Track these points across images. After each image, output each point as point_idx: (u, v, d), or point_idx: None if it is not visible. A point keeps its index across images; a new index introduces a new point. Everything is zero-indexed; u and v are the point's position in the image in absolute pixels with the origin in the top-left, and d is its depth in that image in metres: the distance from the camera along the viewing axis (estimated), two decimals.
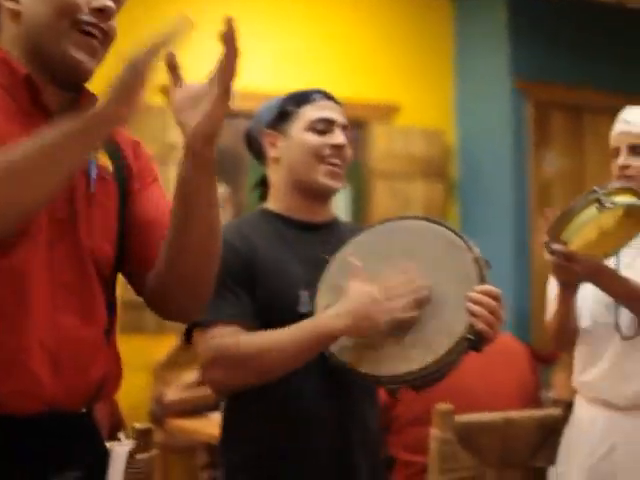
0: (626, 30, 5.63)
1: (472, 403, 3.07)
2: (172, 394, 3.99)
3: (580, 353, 2.92)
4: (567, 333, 2.92)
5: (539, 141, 5.30)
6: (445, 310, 2.01)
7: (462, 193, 5.47)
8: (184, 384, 4.06)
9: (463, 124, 5.50)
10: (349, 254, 2.10)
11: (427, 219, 2.16)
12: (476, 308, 1.96)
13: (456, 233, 2.09)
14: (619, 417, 2.81)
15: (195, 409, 4.01)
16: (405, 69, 5.44)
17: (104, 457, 1.62)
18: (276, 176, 2.24)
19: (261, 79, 4.80)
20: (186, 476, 4.26)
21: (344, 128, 2.22)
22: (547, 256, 2.65)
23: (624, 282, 2.72)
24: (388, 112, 5.27)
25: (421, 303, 2.02)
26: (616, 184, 2.63)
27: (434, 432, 2.88)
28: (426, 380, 2.02)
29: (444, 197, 5.42)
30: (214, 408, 4.05)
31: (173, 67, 1.44)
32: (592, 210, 2.54)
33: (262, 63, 4.90)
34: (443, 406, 2.88)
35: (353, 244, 2.16)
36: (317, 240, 2.20)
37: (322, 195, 2.21)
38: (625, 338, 2.81)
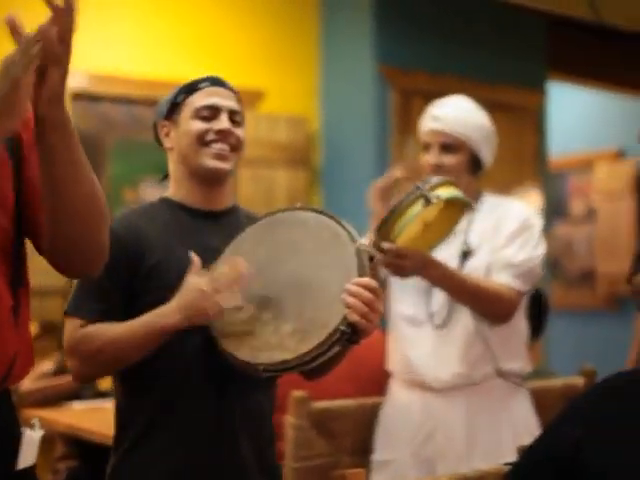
0: (490, 19, 5.73)
1: (329, 389, 3.08)
2: (27, 383, 3.90)
3: (396, 337, 3.00)
4: None
5: (402, 128, 5.36)
6: (324, 302, 2.03)
7: (326, 180, 5.49)
8: (40, 373, 3.98)
9: (327, 111, 5.52)
10: (228, 250, 2.15)
11: (315, 211, 2.20)
12: (351, 300, 1.98)
13: (342, 225, 2.12)
14: (437, 400, 2.89)
15: (52, 399, 3.94)
16: (270, 55, 5.42)
17: (12, 440, 1.64)
18: (172, 165, 2.27)
19: (122, 63, 4.74)
20: (43, 467, 4.17)
21: (233, 114, 2.25)
22: (377, 255, 2.68)
23: (452, 275, 2.79)
24: (252, 99, 5.25)
25: (254, 297, 2.07)
26: (436, 178, 2.68)
27: (289, 419, 2.89)
28: (306, 369, 2.05)
29: (308, 184, 5.43)
30: (73, 397, 3.98)
31: (15, 30, 1.42)
32: (418, 206, 2.59)
33: (123, 47, 4.82)
34: (298, 393, 2.89)
35: (240, 237, 2.19)
36: (215, 228, 2.22)
37: (212, 179, 2.23)
38: (438, 325, 2.89)
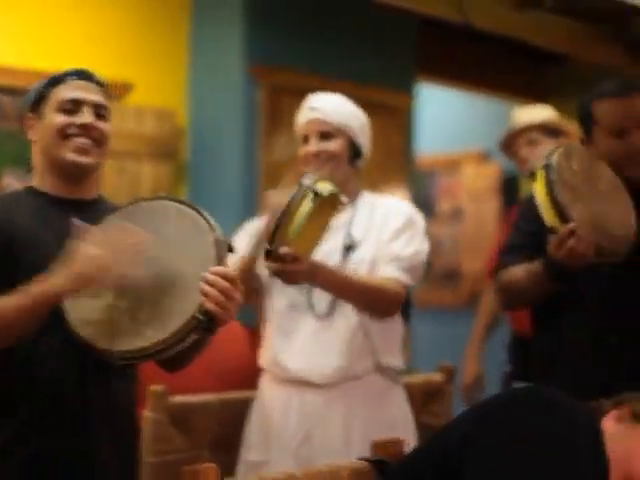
0: (361, 19, 5.75)
1: (189, 384, 3.04)
2: None
3: (273, 332, 2.97)
4: None
5: (270, 125, 5.33)
6: (183, 290, 2.04)
7: (192, 175, 5.42)
8: None
9: (196, 106, 5.45)
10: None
11: (176, 200, 2.21)
12: (207, 288, 2.00)
13: (202, 216, 2.13)
14: (315, 398, 2.86)
15: None
16: (139, 48, 5.32)
17: None
18: (35, 157, 2.28)
19: None
20: None
21: (98, 107, 2.25)
22: (266, 264, 2.65)
23: (341, 278, 2.78)
24: (120, 90, 5.15)
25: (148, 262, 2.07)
26: (314, 175, 2.67)
27: (147, 413, 2.84)
28: (166, 357, 2.06)
29: (174, 178, 5.36)
30: None
31: None
32: (308, 203, 2.58)
33: None
34: (156, 387, 2.84)
35: (101, 225, 2.19)
36: (80, 217, 2.22)
37: (73, 172, 2.23)
38: (320, 318, 2.87)
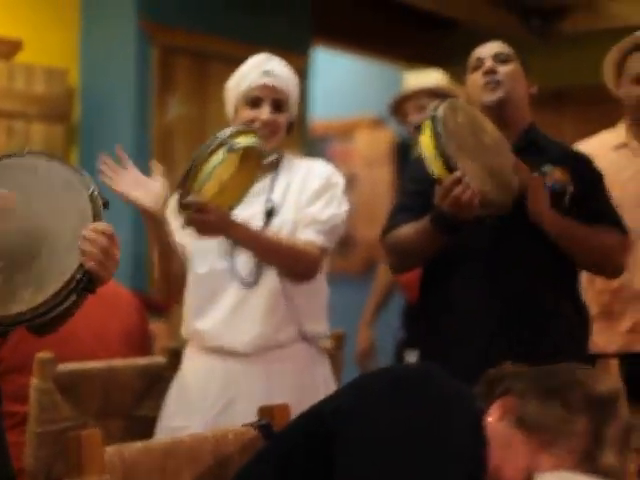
0: None
1: (76, 351, 3.00)
2: None
3: (194, 300, 2.93)
4: (173, 280, 2.93)
5: (163, 86, 5.26)
6: (59, 249, 1.95)
7: (83, 136, 5.32)
8: None
9: (88, 65, 5.34)
10: None
11: (46, 155, 2.10)
12: (87, 246, 1.91)
13: (75, 170, 2.04)
14: (238, 367, 2.84)
15: None
16: (28, 5, 5.18)
17: None
18: None
19: None
20: None
21: None
22: (179, 210, 2.62)
23: (256, 233, 2.76)
24: (8, 48, 5.02)
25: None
26: (237, 127, 2.65)
27: (34, 381, 2.79)
28: (42, 322, 1.95)
29: (65, 139, 5.25)
30: None
31: None
32: (219, 156, 2.55)
33: None
34: (44, 354, 2.79)
35: None
36: None
37: None
38: (245, 284, 2.85)
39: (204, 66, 5.47)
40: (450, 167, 2.53)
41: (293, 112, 2.93)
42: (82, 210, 1.99)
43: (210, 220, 2.62)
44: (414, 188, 2.85)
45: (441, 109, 2.61)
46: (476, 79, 2.88)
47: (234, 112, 2.92)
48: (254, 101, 2.87)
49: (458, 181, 2.51)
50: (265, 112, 2.85)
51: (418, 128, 2.70)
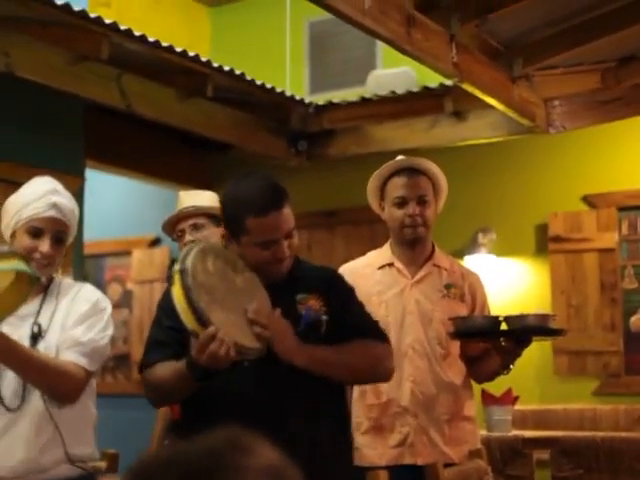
0: (29, 101, 5.70)
1: None
2: None
3: None
4: None
5: None
6: None
7: None
8: None
9: None
10: None
11: None
12: None
13: None
14: None
15: None
16: None
17: None
18: None
19: None
20: None
21: None
22: None
23: (17, 349, 2.70)
24: None
25: None
26: (3, 248, 2.62)
27: None
28: None
29: None
30: None
31: None
32: None
33: None
34: None
35: None
36: None
37: None
38: (8, 409, 2.78)
39: None
40: (203, 322, 2.51)
41: (71, 240, 2.95)
42: None
43: None
44: (168, 323, 2.79)
45: (190, 259, 2.58)
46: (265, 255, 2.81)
47: (10, 235, 2.88)
48: (35, 232, 2.86)
49: (213, 337, 2.49)
50: (46, 245, 2.84)
51: (170, 278, 2.66)
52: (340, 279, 2.99)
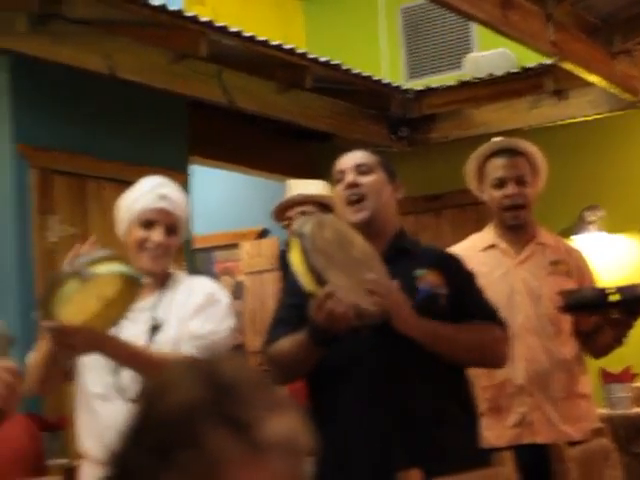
0: (130, 101, 5.80)
1: None
2: None
3: (83, 418, 2.90)
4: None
5: (43, 207, 5.26)
6: None
7: None
8: None
9: None
10: None
11: None
12: None
13: None
14: None
15: None
16: None
17: None
18: None
19: None
20: None
21: None
22: (44, 331, 2.62)
23: (132, 350, 2.76)
24: None
25: None
26: (100, 253, 2.66)
27: None
28: None
29: None
30: None
31: None
32: (74, 284, 2.55)
33: None
34: None
35: None
36: None
37: None
38: (129, 402, 2.84)
39: (84, 186, 5.50)
40: (321, 281, 2.57)
41: (183, 234, 2.99)
42: None
43: (75, 342, 2.62)
44: (290, 301, 2.88)
45: (308, 226, 2.65)
46: (339, 192, 2.94)
47: (126, 231, 2.94)
48: (148, 223, 2.91)
49: (330, 295, 2.54)
50: (158, 234, 2.89)
51: (287, 245, 2.73)
52: (461, 261, 3.01)
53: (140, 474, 1.10)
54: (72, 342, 2.61)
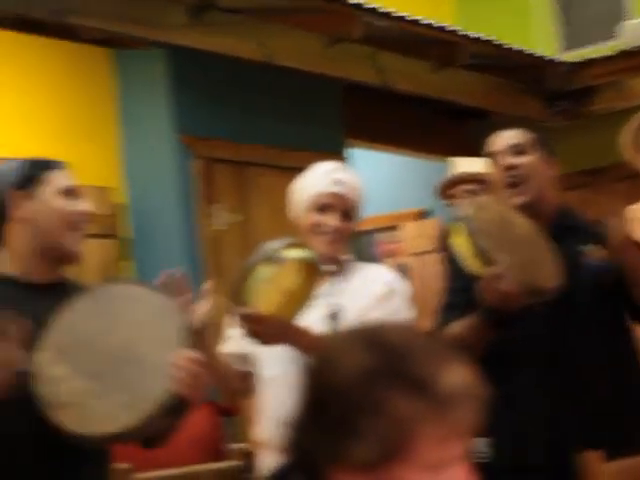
0: (286, 87, 5.85)
1: (151, 460, 3.02)
2: None
3: (269, 403, 2.92)
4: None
5: (207, 196, 5.37)
6: (152, 374, 2.06)
7: (136, 250, 5.42)
8: None
9: (132, 181, 5.47)
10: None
11: (142, 285, 2.30)
12: (177, 372, 2.02)
13: (166, 297, 2.18)
14: None
15: None
16: (68, 125, 5.32)
17: None
18: (18, 237, 2.26)
19: None
20: None
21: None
22: (238, 323, 2.65)
23: (319, 340, 2.76)
24: None
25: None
26: (286, 240, 2.67)
27: None
28: (135, 440, 2.10)
29: (117, 255, 5.35)
30: None
31: None
32: (268, 268, 2.57)
33: None
34: (121, 465, 2.82)
35: (70, 307, 2.19)
36: (45, 300, 2.20)
37: (68, 260, 2.28)
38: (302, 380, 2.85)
39: (245, 173, 5.58)
40: (489, 262, 2.55)
41: (358, 220, 2.98)
42: (174, 337, 2.10)
43: (263, 331, 2.64)
44: (457, 285, 2.86)
45: (470, 209, 2.66)
46: (497, 175, 2.89)
47: (301, 215, 2.94)
48: (323, 207, 2.88)
49: (498, 274, 2.52)
50: (334, 219, 2.85)
51: (447, 232, 2.71)
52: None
53: (323, 451, 1.13)
54: (263, 331, 2.63)
